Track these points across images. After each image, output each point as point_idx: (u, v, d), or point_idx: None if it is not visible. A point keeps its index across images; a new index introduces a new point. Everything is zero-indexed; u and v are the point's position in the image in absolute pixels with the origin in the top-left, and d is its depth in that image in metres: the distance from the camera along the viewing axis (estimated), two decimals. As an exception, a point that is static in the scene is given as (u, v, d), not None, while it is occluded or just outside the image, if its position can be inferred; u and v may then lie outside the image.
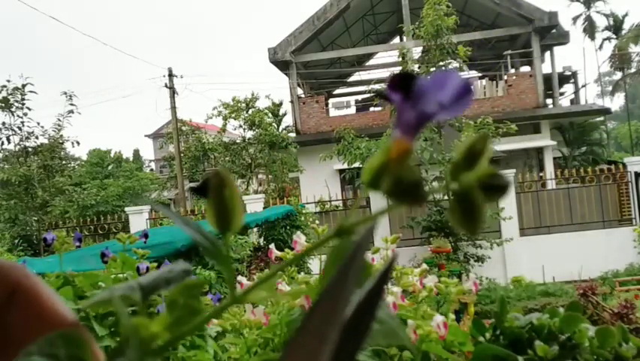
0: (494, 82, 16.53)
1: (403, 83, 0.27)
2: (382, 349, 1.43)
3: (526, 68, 17.71)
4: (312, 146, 14.79)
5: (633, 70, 29.83)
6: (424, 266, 1.77)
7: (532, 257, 10.52)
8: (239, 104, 15.50)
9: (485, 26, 17.44)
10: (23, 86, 10.32)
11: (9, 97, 10.29)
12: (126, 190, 23.85)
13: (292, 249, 1.78)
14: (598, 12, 30.23)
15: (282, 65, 16.57)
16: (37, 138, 10.81)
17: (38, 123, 10.75)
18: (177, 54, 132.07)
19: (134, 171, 31.58)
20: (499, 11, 16.02)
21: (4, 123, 10.54)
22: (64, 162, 11.50)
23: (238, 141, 15.85)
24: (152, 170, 38.94)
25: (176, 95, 16.82)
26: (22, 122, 10.58)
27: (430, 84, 0.27)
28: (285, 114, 20.52)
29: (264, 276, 0.29)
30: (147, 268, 1.95)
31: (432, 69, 10.32)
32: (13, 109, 10.42)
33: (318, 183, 13.67)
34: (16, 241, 10.96)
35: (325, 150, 11.26)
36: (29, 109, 10.52)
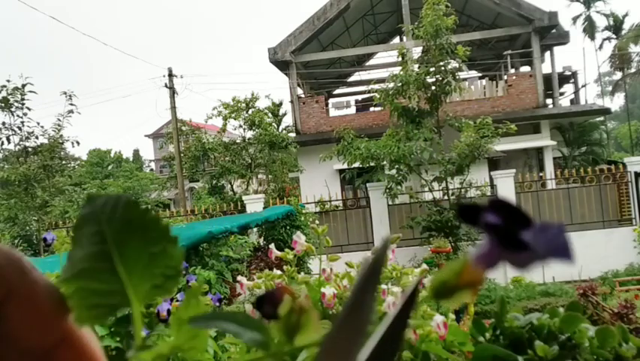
0: (494, 82, 16.53)
1: (503, 214, 0.26)
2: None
3: (526, 68, 17.71)
4: (312, 146, 14.79)
5: (633, 70, 29.83)
6: (424, 266, 1.77)
7: (532, 257, 10.51)
8: (239, 104, 15.48)
9: (485, 26, 17.44)
10: (23, 86, 10.31)
11: (9, 97, 10.28)
12: (126, 190, 23.87)
13: (292, 249, 1.78)
14: (598, 12, 30.23)
15: (282, 65, 16.57)
16: (37, 137, 10.81)
17: (38, 123, 10.75)
18: (177, 54, 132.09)
19: (134, 171, 31.59)
20: (499, 11, 16.02)
21: (4, 123, 10.54)
22: (64, 162, 11.49)
23: (238, 141, 15.83)
24: (152, 170, 38.95)
25: (176, 95, 16.82)
26: (22, 122, 10.57)
27: (530, 228, 0.25)
28: (285, 114, 20.51)
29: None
30: None
31: (431, 69, 10.32)
32: (13, 109, 10.42)
33: (318, 183, 13.68)
34: (16, 240, 10.98)
35: (325, 150, 11.26)
36: (29, 109, 10.52)
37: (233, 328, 0.27)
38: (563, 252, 0.25)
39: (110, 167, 35.69)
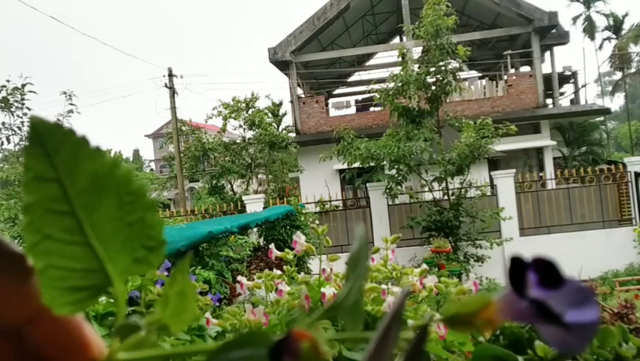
0: (494, 82, 16.53)
1: (543, 273, 0.25)
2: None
3: (526, 68, 17.71)
4: (312, 146, 14.79)
5: (633, 70, 29.83)
6: (424, 266, 1.77)
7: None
8: (239, 104, 15.49)
9: (485, 26, 17.44)
10: (23, 86, 10.32)
11: (9, 97, 10.29)
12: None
13: (292, 249, 1.78)
14: (598, 12, 30.22)
15: (282, 65, 16.57)
16: (37, 138, 10.80)
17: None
18: (177, 54, 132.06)
19: (134, 171, 31.60)
20: (499, 11, 16.02)
21: (3, 123, 10.54)
22: (64, 162, 11.49)
23: (238, 141, 15.84)
24: (152, 170, 38.95)
25: (176, 95, 16.82)
26: (22, 122, 10.58)
27: (564, 295, 0.25)
28: (285, 114, 20.52)
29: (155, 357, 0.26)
30: None
31: (431, 69, 10.32)
32: (12, 109, 10.42)
33: (318, 183, 13.68)
34: (16, 241, 10.99)
35: (325, 150, 11.26)
36: (29, 109, 10.52)
37: None
38: (590, 319, 0.24)
39: (110, 167, 35.65)
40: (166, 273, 2.12)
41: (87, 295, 0.25)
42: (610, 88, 36.82)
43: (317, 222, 7.11)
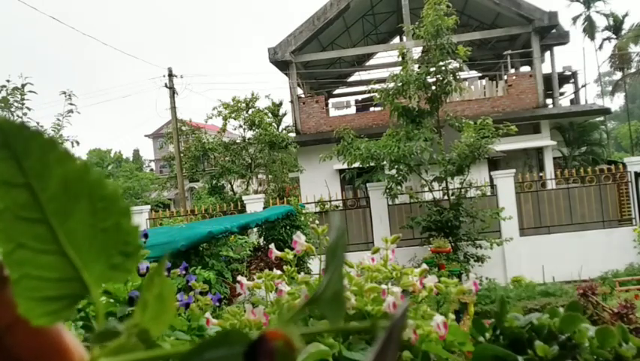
0: (494, 82, 16.53)
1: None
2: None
3: (526, 68, 17.71)
4: (312, 146, 14.79)
5: (633, 70, 29.83)
6: (424, 266, 1.77)
7: (532, 257, 10.52)
8: (239, 104, 15.49)
9: (485, 26, 17.44)
10: (23, 86, 10.31)
11: (8, 97, 10.28)
12: (126, 190, 23.86)
13: (292, 249, 1.78)
14: (598, 12, 30.23)
15: (282, 65, 16.57)
16: (37, 138, 10.80)
17: (38, 123, 10.74)
18: (177, 54, 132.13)
19: (134, 171, 31.58)
20: (499, 11, 16.02)
21: (3, 123, 10.54)
22: (64, 162, 11.49)
23: (238, 141, 15.84)
24: (152, 170, 38.96)
25: (176, 95, 16.82)
26: (22, 123, 10.58)
27: None
28: (285, 114, 20.52)
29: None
30: (147, 269, 1.95)
31: (432, 69, 10.32)
32: (12, 109, 10.42)
33: (318, 183, 13.68)
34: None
35: (325, 150, 11.26)
36: (29, 109, 10.52)
37: None
38: None
39: (109, 167, 35.70)
40: (166, 273, 2.11)
41: (64, 304, 0.24)
42: (610, 88, 36.83)
43: (317, 222, 7.11)
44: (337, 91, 22.70)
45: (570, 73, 19.17)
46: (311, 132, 16.10)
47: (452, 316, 1.68)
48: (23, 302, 0.23)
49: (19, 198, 0.23)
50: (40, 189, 0.23)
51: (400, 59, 11.01)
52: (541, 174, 12.76)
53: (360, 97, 20.63)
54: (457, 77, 10.46)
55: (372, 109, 16.55)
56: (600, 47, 31.43)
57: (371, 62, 22.04)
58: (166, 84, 16.78)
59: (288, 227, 8.74)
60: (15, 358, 0.25)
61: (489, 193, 11.07)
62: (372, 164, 10.78)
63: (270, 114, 17.00)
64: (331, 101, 19.76)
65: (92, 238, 0.24)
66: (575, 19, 30.59)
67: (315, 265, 7.48)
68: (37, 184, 0.23)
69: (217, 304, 1.99)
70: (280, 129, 17.65)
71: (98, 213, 0.24)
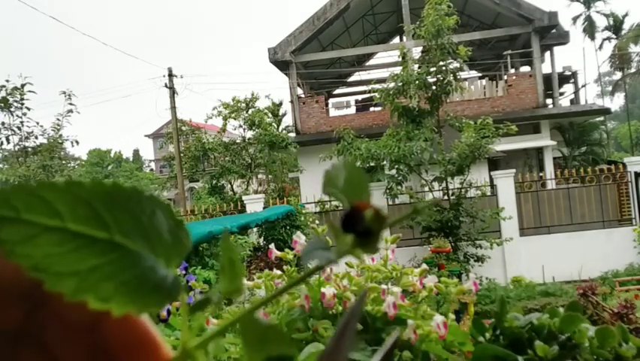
0: (494, 82, 16.54)
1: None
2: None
3: (526, 68, 17.72)
4: (312, 146, 14.79)
5: (633, 70, 29.84)
6: (424, 266, 1.77)
7: (532, 257, 10.52)
8: (239, 104, 15.50)
9: (485, 26, 17.44)
10: (22, 85, 10.31)
11: (8, 97, 10.28)
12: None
13: (292, 249, 1.78)
14: (598, 12, 30.23)
15: (282, 65, 16.57)
16: (36, 137, 10.81)
17: (37, 123, 10.75)
18: (177, 54, 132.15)
19: (134, 171, 31.59)
20: (499, 11, 16.02)
21: (3, 123, 10.53)
22: (63, 161, 11.49)
23: (238, 141, 15.85)
24: (152, 170, 38.96)
25: (175, 95, 16.81)
26: (22, 122, 10.58)
27: None
28: (285, 114, 20.53)
29: (218, 329, 0.27)
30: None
31: (432, 69, 10.32)
32: (12, 109, 10.42)
33: (318, 183, 13.47)
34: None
35: (325, 150, 11.26)
36: (28, 109, 10.52)
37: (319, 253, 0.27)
38: None
39: (110, 167, 35.71)
40: (184, 272, 2.11)
41: (144, 293, 0.25)
42: (610, 88, 36.83)
43: (317, 222, 7.12)
44: (337, 91, 22.71)
45: (570, 73, 19.18)
46: (311, 132, 16.10)
47: (452, 316, 1.68)
48: (101, 291, 0.24)
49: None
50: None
51: (401, 58, 11.00)
52: (541, 174, 12.76)
53: (360, 97, 20.63)
54: (458, 77, 10.46)
55: (372, 109, 16.55)
56: (600, 47, 31.45)
57: (371, 62, 22.04)
58: (166, 84, 16.78)
59: (288, 227, 8.75)
60: (106, 350, 0.26)
61: (489, 193, 11.07)
62: (372, 164, 10.78)
63: (270, 114, 17.01)
64: (331, 101, 19.76)
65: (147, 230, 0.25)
66: (575, 19, 30.60)
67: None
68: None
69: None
70: (280, 129, 17.65)
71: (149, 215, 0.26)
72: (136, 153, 43.52)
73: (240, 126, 15.76)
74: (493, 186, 11.34)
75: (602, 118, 21.97)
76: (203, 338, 0.26)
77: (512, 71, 17.26)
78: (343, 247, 0.26)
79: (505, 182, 11.04)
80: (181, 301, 0.27)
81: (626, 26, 29.89)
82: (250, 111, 15.49)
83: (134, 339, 0.26)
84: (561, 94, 19.39)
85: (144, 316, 0.27)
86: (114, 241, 0.24)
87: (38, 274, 0.22)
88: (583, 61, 49.06)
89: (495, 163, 13.73)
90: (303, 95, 17.42)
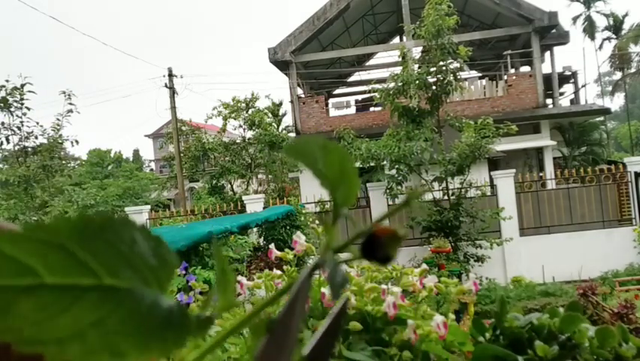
0: (494, 82, 16.53)
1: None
2: (382, 349, 1.43)
3: (526, 68, 17.71)
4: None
5: (633, 70, 29.83)
6: (424, 266, 1.77)
7: (532, 257, 10.52)
8: (239, 104, 15.50)
9: (485, 26, 17.44)
10: (22, 85, 10.30)
11: (8, 97, 10.28)
12: (126, 190, 23.85)
13: (292, 249, 1.77)
14: (598, 12, 30.23)
15: (282, 65, 16.57)
16: (36, 137, 10.80)
17: (37, 123, 10.74)
18: (177, 54, 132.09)
19: (134, 171, 31.58)
20: (499, 11, 16.02)
21: (3, 123, 10.52)
22: (63, 161, 11.48)
23: (238, 141, 15.85)
24: (152, 170, 38.96)
25: (176, 95, 16.82)
26: (22, 122, 10.57)
27: None
28: (285, 114, 20.52)
29: (213, 341, 0.26)
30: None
31: (432, 69, 10.32)
32: (12, 109, 10.41)
33: (318, 183, 13.66)
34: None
35: (325, 150, 11.24)
36: (28, 109, 10.51)
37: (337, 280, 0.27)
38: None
39: (110, 167, 35.70)
40: (184, 272, 2.11)
41: (156, 334, 0.22)
42: (610, 88, 36.83)
43: (317, 222, 7.11)
44: (337, 91, 22.70)
45: (570, 73, 19.18)
46: (311, 132, 16.10)
47: (452, 316, 1.68)
48: (113, 346, 0.21)
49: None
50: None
51: (401, 58, 11.00)
52: (541, 174, 12.75)
53: (360, 97, 20.63)
54: (458, 76, 10.46)
55: (372, 109, 16.55)
56: (600, 47, 31.44)
57: (371, 62, 22.04)
58: (166, 84, 16.78)
59: (288, 227, 8.74)
60: None
61: (489, 193, 11.07)
62: (372, 164, 10.78)
63: (269, 114, 17.01)
64: (331, 101, 19.76)
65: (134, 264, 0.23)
66: (575, 19, 30.60)
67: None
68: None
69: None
70: (280, 129, 17.65)
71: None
72: (136, 153, 43.50)
73: (240, 126, 15.77)
74: (493, 186, 11.34)
75: (602, 118, 21.97)
76: (201, 351, 0.25)
77: (512, 71, 17.25)
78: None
79: (505, 182, 11.04)
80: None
81: (626, 26, 29.90)
82: (250, 111, 15.50)
83: None
84: (561, 94, 19.39)
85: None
86: (105, 285, 0.21)
87: (33, 347, 0.19)
88: (583, 61, 49.09)
89: (495, 163, 13.73)
90: (303, 95, 17.42)
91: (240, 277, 1.84)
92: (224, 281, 0.27)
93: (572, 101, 19.62)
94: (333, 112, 18.29)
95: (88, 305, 0.20)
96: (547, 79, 17.06)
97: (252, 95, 15.82)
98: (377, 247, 0.27)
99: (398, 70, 11.06)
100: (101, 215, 0.22)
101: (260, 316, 0.27)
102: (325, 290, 1.54)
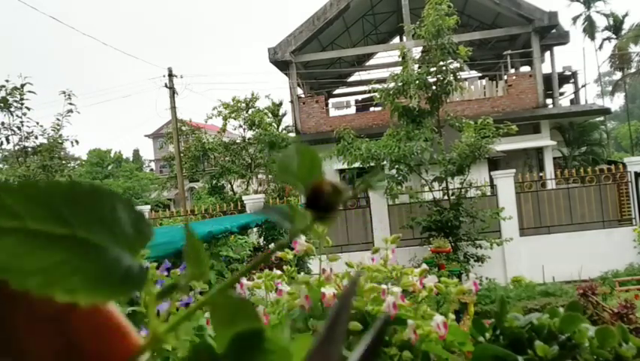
0: (494, 82, 16.53)
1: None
2: (382, 349, 1.43)
3: (526, 68, 17.71)
4: (312, 146, 14.72)
5: (633, 70, 29.83)
6: (424, 266, 1.77)
7: (532, 257, 10.52)
8: (239, 104, 15.50)
9: (485, 26, 17.44)
10: (22, 85, 10.30)
11: (8, 97, 10.28)
12: (126, 190, 23.87)
13: (292, 249, 1.78)
14: (598, 12, 30.23)
15: (282, 65, 16.57)
16: (36, 137, 10.80)
17: (37, 123, 10.74)
18: (177, 54, 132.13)
19: (134, 171, 31.59)
20: (499, 11, 16.02)
21: (3, 123, 10.52)
22: (63, 161, 11.48)
23: (238, 141, 15.84)
24: (152, 170, 38.96)
25: (175, 95, 16.81)
26: (22, 122, 10.57)
27: None
28: (285, 114, 20.50)
29: (185, 313, 0.28)
30: (147, 268, 1.94)
31: (432, 69, 10.32)
32: (12, 109, 10.41)
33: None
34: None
35: (325, 150, 11.25)
36: (28, 109, 10.51)
37: (278, 217, 0.28)
38: None
39: (110, 167, 35.71)
40: (166, 273, 2.12)
41: (109, 283, 0.25)
42: (610, 88, 36.83)
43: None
44: (337, 91, 22.70)
45: (570, 73, 19.17)
46: (311, 132, 16.10)
47: (452, 316, 1.68)
48: (67, 284, 0.24)
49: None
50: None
51: (401, 58, 11.00)
52: (541, 174, 12.75)
53: (360, 97, 20.63)
54: (458, 76, 10.46)
55: (372, 109, 16.55)
56: (600, 47, 31.44)
57: (371, 62, 22.04)
58: (166, 84, 16.78)
59: (288, 227, 8.72)
60: (77, 340, 0.27)
61: (489, 193, 11.07)
62: (372, 164, 10.77)
63: (270, 114, 16.99)
64: (331, 101, 19.75)
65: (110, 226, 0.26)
66: (575, 19, 30.60)
67: (315, 265, 7.49)
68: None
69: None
70: (280, 129, 17.63)
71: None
72: (136, 153, 43.50)
73: (240, 126, 15.76)
74: (493, 186, 11.34)
75: (602, 118, 21.97)
76: (172, 322, 0.27)
77: (512, 71, 17.25)
78: (303, 223, 0.28)
79: (505, 182, 11.04)
80: (147, 289, 0.27)
81: (626, 26, 29.89)
82: (250, 111, 15.49)
83: (103, 328, 0.27)
84: (561, 94, 19.38)
85: (112, 305, 0.28)
86: (77, 237, 0.25)
87: (3, 274, 0.23)
88: (583, 61, 49.07)
89: (495, 163, 13.73)
90: (303, 95, 17.42)
91: (240, 277, 1.84)
92: (194, 253, 0.29)
93: (572, 101, 19.61)
94: (333, 112, 18.30)
95: (56, 249, 0.24)
96: (547, 79, 17.06)
97: (252, 95, 15.81)
98: (319, 199, 0.28)
99: (398, 70, 11.05)
100: (91, 184, 0.26)
101: (230, 292, 0.28)
102: (325, 290, 1.54)
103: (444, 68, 10.16)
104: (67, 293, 0.24)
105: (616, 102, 67.15)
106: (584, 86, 20.90)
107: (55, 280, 0.24)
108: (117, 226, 0.26)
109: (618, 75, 33.10)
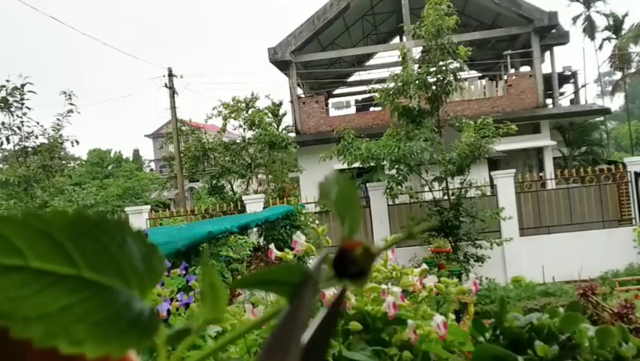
0: (494, 82, 16.53)
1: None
2: (382, 349, 1.43)
3: (526, 68, 17.71)
4: (312, 146, 14.78)
5: (633, 70, 29.82)
6: (424, 266, 1.77)
7: (532, 257, 10.52)
8: (239, 104, 15.48)
9: (485, 26, 17.44)
10: (22, 85, 10.31)
11: (8, 97, 10.28)
12: (126, 190, 23.86)
13: (292, 249, 1.77)
14: (598, 12, 30.25)
15: (282, 65, 16.57)
16: (36, 137, 10.80)
17: (38, 123, 10.74)
18: (177, 54, 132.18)
19: (134, 171, 31.58)
20: (499, 11, 16.02)
21: (3, 123, 10.53)
22: (63, 161, 11.49)
23: (238, 141, 15.83)
24: (152, 170, 38.94)
25: (175, 95, 16.81)
26: (22, 122, 10.57)
27: None
28: (285, 114, 20.51)
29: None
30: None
31: (432, 69, 10.32)
32: (12, 109, 10.41)
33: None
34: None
35: (325, 150, 11.26)
36: (29, 109, 10.52)
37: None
38: None
39: (110, 167, 35.70)
40: (166, 273, 2.11)
41: (122, 329, 0.23)
42: (610, 88, 36.82)
43: (317, 222, 7.11)
44: (337, 91, 22.69)
45: (570, 73, 19.17)
46: (311, 132, 16.10)
47: (452, 316, 1.68)
48: (73, 333, 0.22)
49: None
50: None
51: (401, 58, 11.00)
52: (541, 174, 12.75)
53: (360, 97, 20.63)
54: (458, 76, 10.46)
55: (372, 109, 16.55)
56: (600, 47, 31.46)
57: (371, 62, 22.03)
58: (166, 84, 16.78)
59: (288, 227, 8.73)
60: None
61: (489, 193, 11.07)
62: (372, 164, 10.78)
63: (270, 114, 16.96)
64: (331, 101, 19.75)
65: (117, 261, 0.24)
66: (575, 19, 30.62)
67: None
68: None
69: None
70: (280, 129, 17.62)
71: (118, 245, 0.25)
72: (136, 153, 43.50)
73: (240, 126, 15.75)
74: (493, 186, 11.34)
75: (602, 118, 21.98)
76: (200, 355, 0.26)
77: (512, 71, 17.25)
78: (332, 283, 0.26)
79: (505, 182, 11.04)
80: (159, 335, 0.25)
81: (626, 26, 29.90)
82: (250, 111, 15.47)
83: None
84: (561, 94, 19.38)
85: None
86: (83, 278, 0.23)
87: (3, 321, 0.21)
88: (583, 61, 49.15)
89: (495, 163, 13.72)
90: (303, 95, 17.42)
91: (240, 277, 1.84)
92: (212, 292, 0.27)
93: (572, 101, 19.61)
94: (333, 112, 18.29)
95: (60, 292, 0.22)
96: (547, 79, 17.06)
97: (252, 95, 15.80)
98: (349, 263, 0.25)
99: (398, 70, 11.05)
100: (98, 215, 0.23)
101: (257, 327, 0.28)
102: (325, 290, 1.54)
103: (444, 68, 10.16)
104: (72, 345, 0.21)
105: (616, 102, 67.17)
106: (584, 86, 20.92)
107: (60, 329, 0.21)
108: (127, 262, 0.24)
109: (618, 75, 33.09)
